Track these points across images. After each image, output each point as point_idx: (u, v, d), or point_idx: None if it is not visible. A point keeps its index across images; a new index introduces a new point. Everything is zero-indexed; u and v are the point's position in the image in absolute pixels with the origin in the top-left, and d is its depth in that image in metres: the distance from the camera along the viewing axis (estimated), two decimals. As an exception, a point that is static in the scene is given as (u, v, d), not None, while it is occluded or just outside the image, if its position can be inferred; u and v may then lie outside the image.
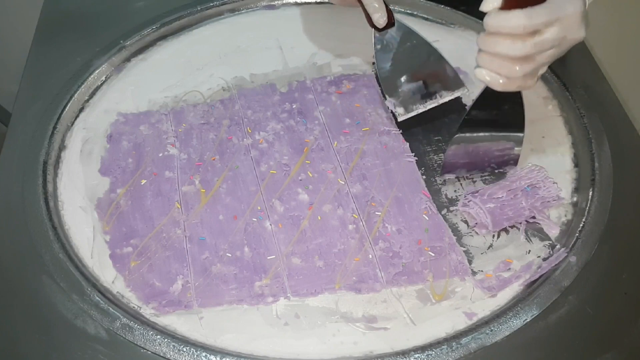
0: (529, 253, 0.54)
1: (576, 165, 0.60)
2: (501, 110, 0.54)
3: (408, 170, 0.60)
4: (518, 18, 0.43)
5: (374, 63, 0.64)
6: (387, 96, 0.61)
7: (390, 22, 0.59)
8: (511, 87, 0.48)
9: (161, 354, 0.47)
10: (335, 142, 0.62)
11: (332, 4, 0.63)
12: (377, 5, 0.57)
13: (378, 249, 0.54)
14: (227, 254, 0.54)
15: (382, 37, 0.60)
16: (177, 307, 0.51)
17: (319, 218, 0.56)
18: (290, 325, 0.50)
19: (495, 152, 0.57)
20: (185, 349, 0.48)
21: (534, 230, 0.55)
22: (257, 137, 0.63)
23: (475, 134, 0.56)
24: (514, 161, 0.59)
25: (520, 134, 0.56)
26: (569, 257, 0.52)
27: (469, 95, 0.66)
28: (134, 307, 0.51)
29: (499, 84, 0.47)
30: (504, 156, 0.58)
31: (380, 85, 0.65)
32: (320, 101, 0.66)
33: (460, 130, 0.55)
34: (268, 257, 0.54)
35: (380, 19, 0.57)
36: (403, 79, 0.61)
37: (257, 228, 0.56)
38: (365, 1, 0.57)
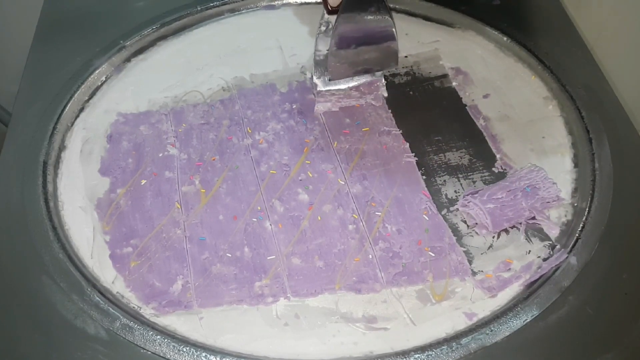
0: (529, 253, 0.54)
1: (576, 165, 0.60)
2: (368, 12, 0.57)
3: (408, 170, 0.60)
4: None
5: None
6: (314, 77, 0.63)
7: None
8: None
9: (161, 354, 0.47)
10: (335, 142, 0.62)
11: None
12: None
13: (378, 249, 0.54)
14: (227, 254, 0.54)
15: (329, 20, 0.60)
16: (177, 307, 0.51)
17: (319, 218, 0.56)
18: (290, 325, 0.50)
19: (374, 51, 0.60)
20: (185, 349, 0.48)
21: (534, 230, 0.55)
22: (257, 137, 0.63)
23: (351, 36, 0.58)
24: (394, 57, 0.61)
25: (391, 29, 0.59)
26: (569, 258, 0.52)
27: (468, 95, 0.66)
28: (134, 307, 0.51)
29: None
30: (384, 52, 0.60)
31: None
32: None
33: (336, 34, 0.58)
34: (268, 257, 0.54)
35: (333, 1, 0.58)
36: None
37: (257, 228, 0.56)
38: None
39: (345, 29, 0.58)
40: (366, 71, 0.63)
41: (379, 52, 0.61)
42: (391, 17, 0.58)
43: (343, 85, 0.63)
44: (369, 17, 0.58)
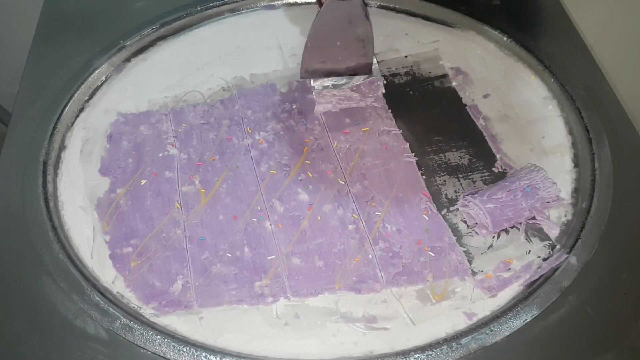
0: (529, 253, 0.54)
1: (576, 165, 0.60)
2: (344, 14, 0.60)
3: (408, 170, 0.60)
4: None
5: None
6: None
7: None
8: None
9: (161, 354, 0.47)
10: (335, 142, 0.62)
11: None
12: None
13: (378, 249, 0.54)
14: (227, 254, 0.54)
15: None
16: (177, 307, 0.51)
17: (319, 218, 0.56)
18: (290, 325, 0.50)
19: (350, 53, 0.63)
20: (185, 349, 0.48)
21: (534, 230, 0.55)
22: (257, 137, 0.63)
23: (327, 37, 0.61)
24: (368, 63, 0.64)
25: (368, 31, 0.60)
26: (569, 258, 0.52)
27: (468, 95, 0.66)
28: (134, 307, 0.51)
29: None
30: (359, 56, 0.63)
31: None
32: (320, 101, 0.66)
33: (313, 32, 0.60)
34: (268, 257, 0.54)
35: None
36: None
37: (257, 228, 0.56)
38: None
39: (322, 29, 0.59)
40: (339, 74, 0.64)
41: (353, 58, 0.63)
42: (369, 23, 0.59)
43: (342, 82, 0.64)
44: (347, 23, 0.60)
